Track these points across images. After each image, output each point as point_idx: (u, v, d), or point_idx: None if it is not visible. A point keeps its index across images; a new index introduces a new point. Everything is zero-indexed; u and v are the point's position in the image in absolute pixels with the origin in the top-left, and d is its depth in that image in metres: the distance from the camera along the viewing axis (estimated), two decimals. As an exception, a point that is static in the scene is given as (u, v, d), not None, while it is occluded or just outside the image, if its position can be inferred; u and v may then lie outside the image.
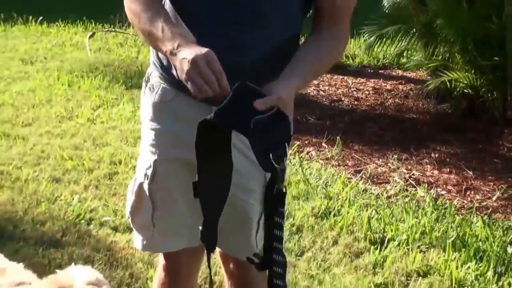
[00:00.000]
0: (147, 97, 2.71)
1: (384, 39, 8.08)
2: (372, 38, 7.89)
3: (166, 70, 2.60)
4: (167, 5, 2.58)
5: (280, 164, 2.11)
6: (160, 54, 2.60)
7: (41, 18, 9.98)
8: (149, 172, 2.68)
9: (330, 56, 2.61)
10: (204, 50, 2.17)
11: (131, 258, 4.10)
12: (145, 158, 2.72)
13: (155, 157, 2.67)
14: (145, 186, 2.69)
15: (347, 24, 2.61)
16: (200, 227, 2.34)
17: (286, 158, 2.14)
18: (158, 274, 2.96)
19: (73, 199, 4.84)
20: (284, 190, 2.15)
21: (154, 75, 2.69)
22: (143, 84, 2.74)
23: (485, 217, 5.00)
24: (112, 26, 9.70)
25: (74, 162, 5.43)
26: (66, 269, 2.45)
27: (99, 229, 4.48)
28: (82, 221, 4.56)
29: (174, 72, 2.48)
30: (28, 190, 4.92)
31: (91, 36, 9.31)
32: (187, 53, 2.19)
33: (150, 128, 2.69)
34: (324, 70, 2.72)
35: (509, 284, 4.14)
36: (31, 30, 9.65)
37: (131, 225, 2.85)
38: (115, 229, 4.46)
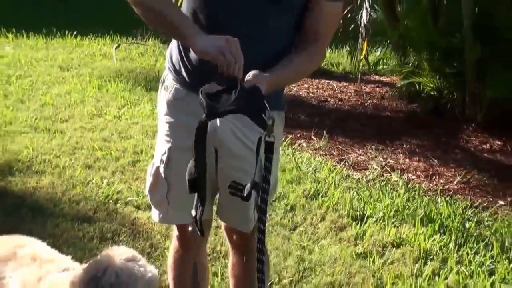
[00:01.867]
0: (163, 96, 2.72)
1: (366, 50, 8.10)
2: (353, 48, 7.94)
3: (178, 73, 2.62)
4: None
5: (269, 121, 2.11)
6: (173, 60, 2.64)
7: (75, 32, 9.96)
8: (164, 157, 2.69)
9: (303, 67, 2.63)
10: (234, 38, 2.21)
11: (151, 231, 4.13)
12: (161, 146, 2.73)
13: (169, 145, 2.68)
14: (161, 169, 2.71)
15: (324, 45, 2.65)
16: (193, 213, 2.29)
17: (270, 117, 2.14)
18: (172, 244, 2.97)
19: (102, 182, 4.84)
20: (272, 140, 2.13)
21: (168, 77, 2.70)
22: (160, 85, 2.75)
23: (447, 198, 5.03)
24: (134, 38, 9.70)
25: (103, 152, 5.43)
26: (104, 251, 2.45)
27: (124, 208, 4.49)
28: (110, 201, 4.56)
29: (184, 75, 2.54)
30: (66, 175, 4.93)
31: (117, 47, 9.30)
32: (217, 37, 2.22)
33: (165, 121, 2.71)
34: (299, 77, 2.72)
35: (467, 253, 4.16)
36: (67, 43, 9.63)
37: (150, 202, 2.86)
38: (138, 207, 4.47)
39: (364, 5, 6.12)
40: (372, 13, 6.31)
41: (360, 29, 6.31)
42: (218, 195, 2.79)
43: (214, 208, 2.85)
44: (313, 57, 2.60)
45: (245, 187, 2.24)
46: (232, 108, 2.12)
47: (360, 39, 6.47)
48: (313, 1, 2.52)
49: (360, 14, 6.23)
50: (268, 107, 2.14)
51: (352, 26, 6.81)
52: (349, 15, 6.58)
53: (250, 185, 2.20)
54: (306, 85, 7.78)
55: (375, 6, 6.59)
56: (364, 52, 6.63)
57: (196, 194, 2.26)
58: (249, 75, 2.21)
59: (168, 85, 2.68)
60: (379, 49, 7.30)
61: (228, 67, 2.17)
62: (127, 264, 2.35)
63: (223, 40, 2.20)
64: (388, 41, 7.70)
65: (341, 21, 6.85)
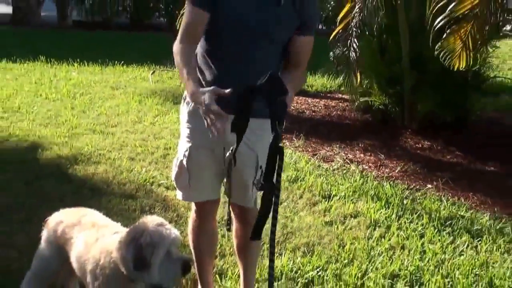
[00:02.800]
0: (184, 108, 2.72)
1: (331, 75, 8.13)
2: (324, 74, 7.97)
3: None
4: (199, 47, 2.61)
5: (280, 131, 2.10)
6: None
7: (122, 62, 9.97)
8: (186, 153, 2.68)
9: (297, 86, 2.65)
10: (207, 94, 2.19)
11: (176, 205, 4.13)
12: (183, 144, 2.71)
13: (190, 144, 2.67)
14: (184, 162, 2.69)
15: (304, 67, 2.69)
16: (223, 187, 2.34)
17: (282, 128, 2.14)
18: (191, 215, 2.96)
19: (142, 170, 4.85)
20: (281, 145, 2.12)
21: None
22: (182, 101, 2.75)
23: (391, 182, 5.04)
24: (165, 67, 9.69)
25: (142, 148, 5.43)
26: (141, 218, 2.45)
27: (157, 188, 4.50)
28: (147, 183, 4.57)
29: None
30: (115, 165, 4.94)
31: (152, 73, 9.30)
32: (203, 99, 2.20)
33: (186, 127, 2.70)
34: (295, 91, 2.72)
35: (404, 222, 4.17)
36: (117, 70, 9.63)
37: (175, 186, 2.85)
38: (167, 188, 4.47)
39: (352, 47, 6.15)
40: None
41: (354, 64, 6.28)
42: (225, 181, 2.78)
43: (222, 189, 2.83)
44: (299, 78, 2.67)
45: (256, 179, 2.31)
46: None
47: (353, 72, 6.42)
48: (294, 39, 2.55)
49: (350, 53, 6.24)
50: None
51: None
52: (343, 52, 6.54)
53: (260, 179, 2.18)
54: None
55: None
56: (358, 80, 6.56)
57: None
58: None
59: (189, 101, 2.67)
60: (342, 75, 7.26)
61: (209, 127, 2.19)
62: (157, 228, 2.35)
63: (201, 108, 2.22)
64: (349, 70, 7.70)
65: (334, 59, 6.91)
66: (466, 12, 4.79)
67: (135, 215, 3.92)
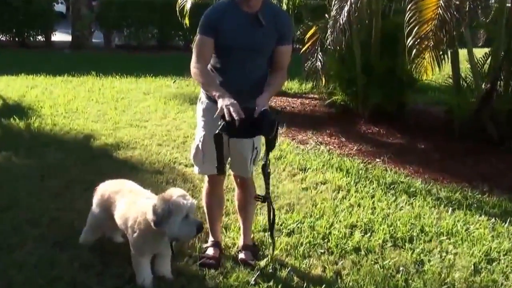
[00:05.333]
0: (199, 106, 2.72)
1: (304, 81, 8.05)
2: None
3: (208, 95, 2.61)
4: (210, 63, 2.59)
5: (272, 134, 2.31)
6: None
7: (152, 74, 9.86)
8: (201, 139, 2.69)
9: (278, 85, 2.66)
10: (230, 101, 2.28)
11: (193, 178, 4.08)
12: (199, 133, 2.71)
13: (204, 132, 2.67)
14: (200, 146, 2.70)
15: (285, 71, 2.67)
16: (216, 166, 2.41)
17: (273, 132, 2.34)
18: (205, 185, 2.94)
19: (167, 153, 4.79)
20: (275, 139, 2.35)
21: (203, 96, 2.70)
22: (198, 100, 2.76)
23: (350, 158, 5.01)
24: (184, 77, 9.57)
25: (167, 137, 5.37)
26: (167, 190, 2.44)
27: (179, 166, 4.45)
28: (171, 163, 4.52)
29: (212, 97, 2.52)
30: (147, 149, 4.88)
31: (174, 82, 9.21)
32: (224, 100, 2.29)
33: (201, 120, 2.70)
34: (277, 90, 2.71)
35: (360, 187, 4.16)
36: (147, 80, 9.52)
37: (193, 162, 2.84)
38: (186, 165, 4.41)
39: (318, 58, 6.12)
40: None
41: (320, 71, 6.24)
42: (229, 159, 2.77)
43: (228, 166, 2.82)
44: (282, 77, 2.66)
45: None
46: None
47: (320, 77, 6.38)
48: (275, 49, 2.56)
49: (317, 63, 6.21)
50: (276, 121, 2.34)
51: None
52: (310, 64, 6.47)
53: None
54: (274, 100, 7.69)
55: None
56: (324, 83, 6.51)
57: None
58: (258, 105, 2.32)
59: (203, 101, 2.69)
60: (314, 81, 7.16)
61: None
62: (179, 198, 2.35)
63: (225, 108, 2.28)
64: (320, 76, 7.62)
65: (306, 69, 6.82)
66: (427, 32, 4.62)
67: (162, 186, 3.89)
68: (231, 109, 2.24)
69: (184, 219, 2.33)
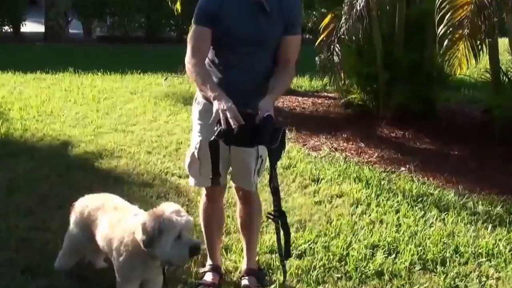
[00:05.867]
0: (195, 107, 2.72)
1: (317, 77, 8.08)
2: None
3: (204, 96, 2.60)
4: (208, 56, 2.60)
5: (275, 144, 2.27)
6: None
7: (139, 70, 9.90)
8: (197, 146, 2.68)
9: (285, 83, 2.65)
10: (228, 104, 2.27)
11: (188, 191, 4.09)
12: (195, 138, 2.71)
13: (200, 138, 2.67)
14: (195, 153, 2.69)
15: (293, 67, 2.66)
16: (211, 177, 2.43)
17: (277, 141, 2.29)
18: (202, 199, 2.94)
19: (157, 162, 4.81)
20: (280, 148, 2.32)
21: (199, 96, 2.70)
22: (194, 101, 2.76)
23: (370, 166, 5.02)
24: (176, 73, 9.60)
25: (158, 143, 5.39)
26: (159, 205, 2.43)
27: (171, 177, 4.46)
28: (162, 173, 4.54)
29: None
30: (135, 158, 4.90)
31: (165, 79, 9.24)
32: (220, 104, 2.28)
33: (198, 123, 2.70)
34: (284, 90, 2.71)
35: (382, 200, 4.15)
36: (134, 77, 9.57)
37: (188, 173, 2.83)
38: (180, 176, 4.44)
39: (334, 51, 6.14)
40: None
41: (337, 66, 6.25)
42: (230, 168, 2.78)
43: (228, 177, 2.83)
44: (289, 74, 2.64)
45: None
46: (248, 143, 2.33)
47: (337, 73, 6.39)
48: (282, 39, 2.54)
49: (334, 57, 6.21)
50: (280, 127, 2.31)
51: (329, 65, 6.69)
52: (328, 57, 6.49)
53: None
54: (282, 100, 7.71)
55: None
56: (343, 79, 6.52)
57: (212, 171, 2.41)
58: (261, 109, 2.30)
59: (199, 101, 2.69)
60: (327, 76, 7.17)
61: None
62: (172, 214, 2.34)
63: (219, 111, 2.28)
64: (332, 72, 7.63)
65: (320, 63, 6.84)
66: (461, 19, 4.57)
67: (152, 200, 3.88)
68: (228, 114, 2.23)
69: (176, 239, 2.31)
